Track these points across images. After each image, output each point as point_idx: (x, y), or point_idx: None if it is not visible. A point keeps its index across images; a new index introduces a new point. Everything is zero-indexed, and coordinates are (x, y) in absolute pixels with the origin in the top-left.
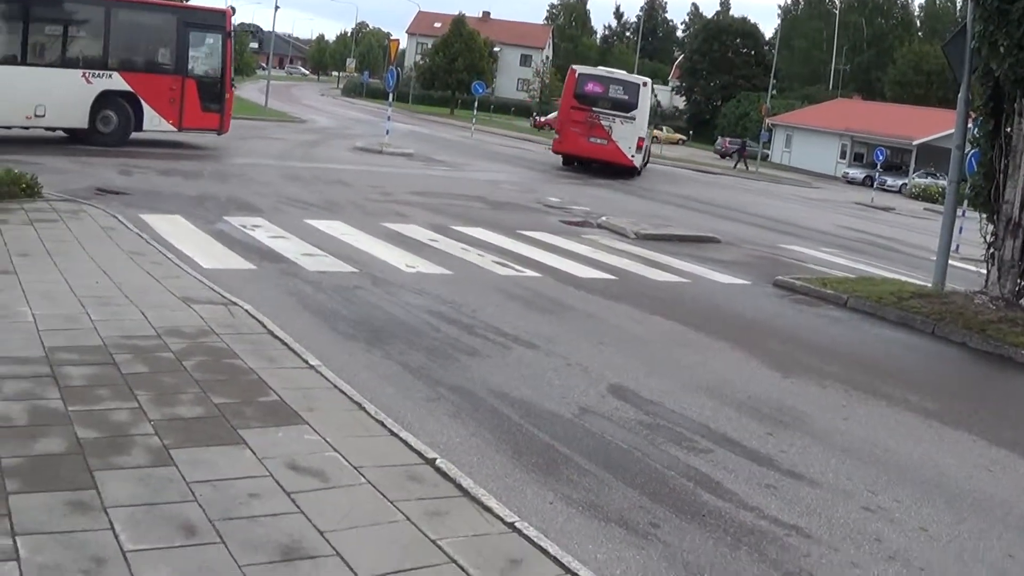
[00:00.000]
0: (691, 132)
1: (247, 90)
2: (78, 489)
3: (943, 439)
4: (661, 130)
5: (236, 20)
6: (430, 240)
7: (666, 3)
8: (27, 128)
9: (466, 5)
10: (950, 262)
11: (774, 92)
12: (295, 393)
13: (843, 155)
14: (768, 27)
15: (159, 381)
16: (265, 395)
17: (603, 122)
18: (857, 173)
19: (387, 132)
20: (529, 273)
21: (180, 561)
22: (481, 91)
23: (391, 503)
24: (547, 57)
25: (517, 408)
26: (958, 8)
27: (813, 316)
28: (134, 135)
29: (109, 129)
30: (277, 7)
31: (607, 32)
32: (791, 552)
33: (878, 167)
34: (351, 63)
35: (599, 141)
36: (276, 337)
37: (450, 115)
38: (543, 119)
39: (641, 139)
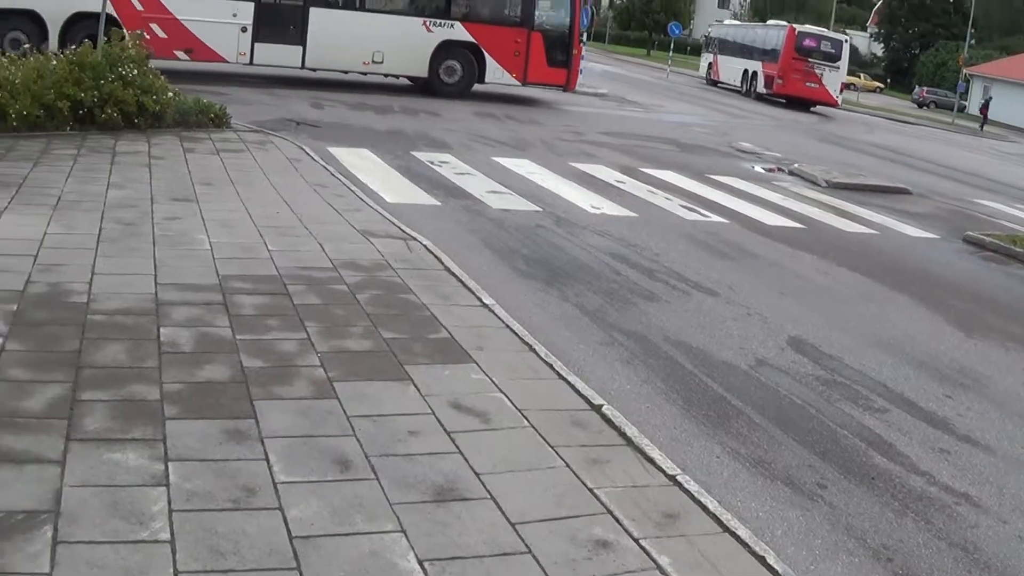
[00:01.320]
0: (888, 80)
1: None
2: (236, 418)
3: None
4: (859, 77)
5: None
6: (617, 181)
7: None
8: (365, 74)
9: None
10: None
11: (972, 42)
12: (466, 331)
13: None
14: None
15: (330, 313)
16: (435, 332)
17: (816, 70)
18: None
19: (580, 72)
20: (715, 218)
21: (331, 495)
22: (678, 32)
23: (551, 448)
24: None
25: (692, 357)
26: None
27: (1002, 275)
28: (476, 87)
29: (453, 80)
30: None
31: None
32: (958, 522)
33: None
34: None
35: (813, 85)
36: (452, 274)
37: (646, 56)
38: None
39: (843, 83)
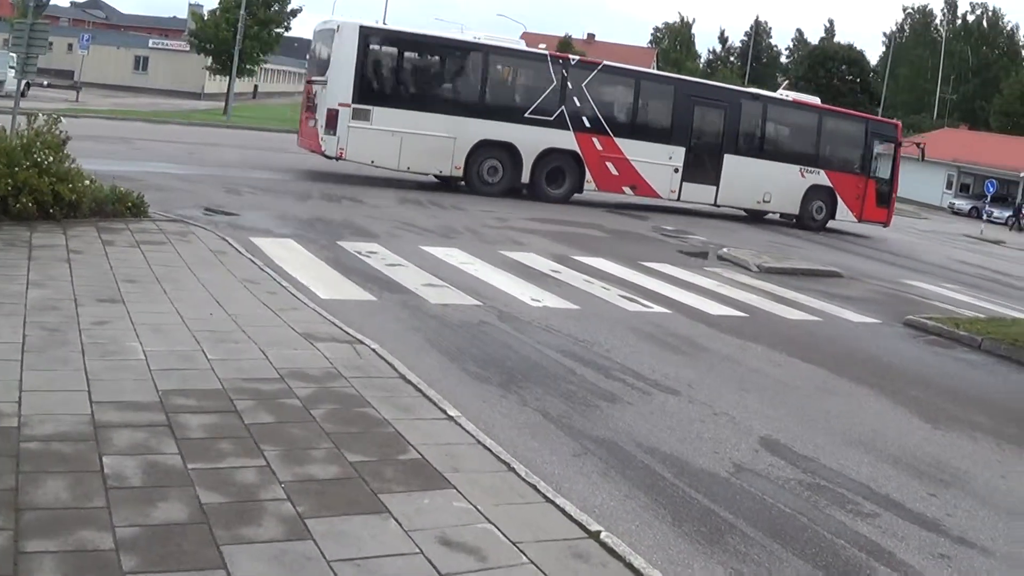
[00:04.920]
0: None
1: None
2: (204, 568)
3: None
4: None
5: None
6: (552, 271)
7: (771, 28)
8: (751, 211)
9: (571, 27)
10: None
11: None
12: (436, 450)
13: (949, 185)
14: (872, 54)
15: (287, 433)
16: (404, 452)
17: None
18: (963, 204)
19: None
20: (657, 309)
21: None
22: None
23: None
24: None
25: (669, 465)
26: None
27: (949, 359)
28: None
29: (820, 217)
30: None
31: (711, 56)
32: None
33: (987, 198)
34: None
35: None
36: (408, 382)
37: None
38: None
39: None
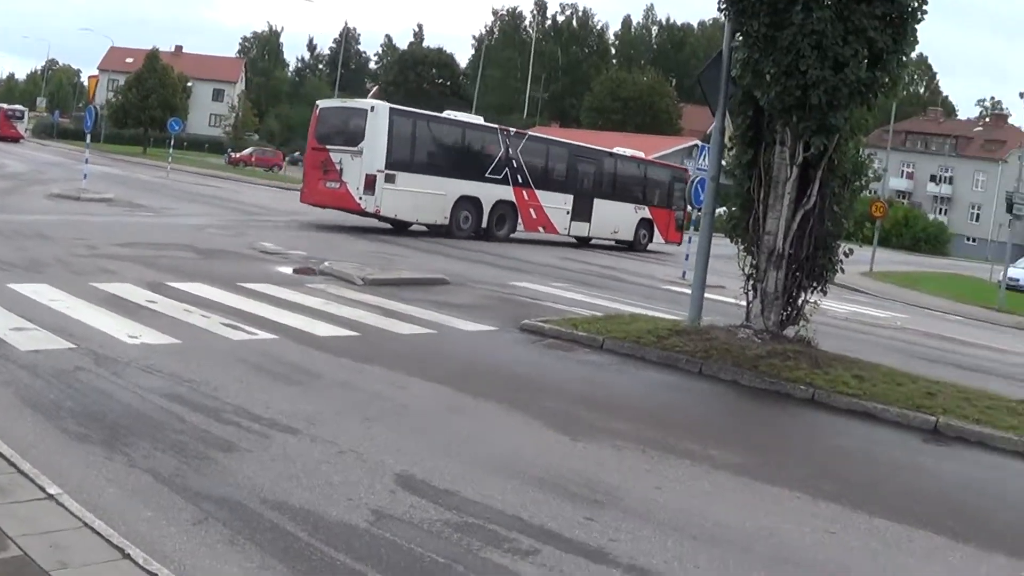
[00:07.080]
0: None
1: None
2: None
3: (765, 500)
4: None
5: None
6: (148, 301)
7: (360, 35)
8: (607, 240)
9: (159, 39)
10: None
11: None
12: (39, 541)
13: None
14: (463, 57)
15: None
16: (3, 548)
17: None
18: None
19: (84, 176)
20: (263, 335)
21: None
22: (177, 128)
23: None
24: (241, 91)
25: (301, 521)
26: (654, 36)
27: (573, 363)
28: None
29: (645, 241)
30: None
31: (300, 65)
32: None
33: None
34: (42, 103)
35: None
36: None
37: (143, 154)
38: (238, 155)
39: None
